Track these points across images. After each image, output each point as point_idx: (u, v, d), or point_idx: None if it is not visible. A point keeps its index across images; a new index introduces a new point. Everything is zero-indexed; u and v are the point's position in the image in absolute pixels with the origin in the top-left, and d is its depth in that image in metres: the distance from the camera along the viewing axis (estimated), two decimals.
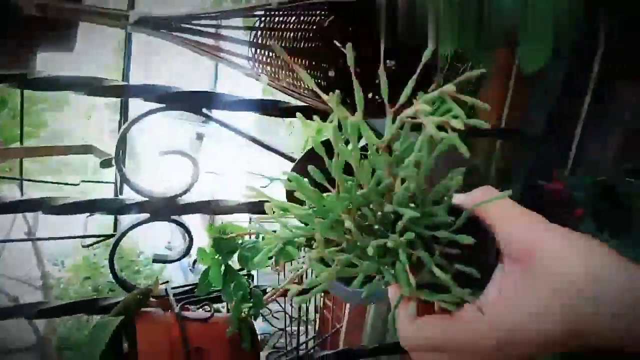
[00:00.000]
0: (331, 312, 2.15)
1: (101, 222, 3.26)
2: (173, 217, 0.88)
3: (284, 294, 0.82)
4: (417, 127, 0.31)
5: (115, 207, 0.85)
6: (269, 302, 0.84)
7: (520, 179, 1.35)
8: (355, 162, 0.30)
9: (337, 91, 0.29)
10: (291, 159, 0.96)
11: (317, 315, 2.35)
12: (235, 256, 0.83)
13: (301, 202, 0.33)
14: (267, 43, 0.66)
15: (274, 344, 2.39)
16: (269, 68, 0.69)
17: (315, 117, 0.32)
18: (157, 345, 0.76)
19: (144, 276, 4.88)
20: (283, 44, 0.71)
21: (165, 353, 0.76)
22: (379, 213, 0.30)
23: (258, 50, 0.67)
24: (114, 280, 0.93)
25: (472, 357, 0.33)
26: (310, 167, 0.31)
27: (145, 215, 0.86)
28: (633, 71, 1.20)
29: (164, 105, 0.82)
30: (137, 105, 0.86)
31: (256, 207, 0.94)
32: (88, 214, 0.89)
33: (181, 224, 0.89)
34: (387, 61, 0.67)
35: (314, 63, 0.73)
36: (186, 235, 0.91)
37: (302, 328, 2.32)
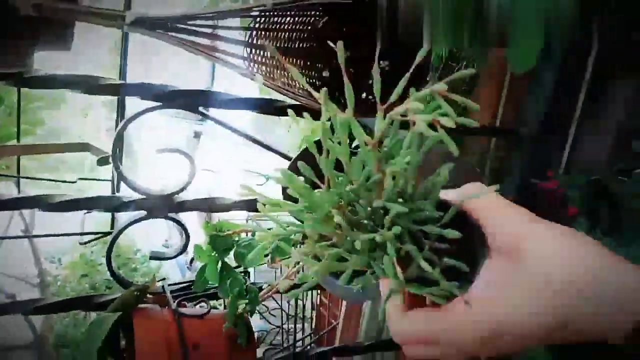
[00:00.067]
0: (327, 309, 2.16)
1: (98, 220, 3.26)
2: (170, 214, 0.88)
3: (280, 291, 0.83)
4: (407, 125, 0.32)
5: (112, 205, 0.85)
6: (265, 298, 0.85)
7: (514, 178, 1.36)
8: (344, 158, 0.31)
9: (325, 88, 0.29)
10: (287, 157, 0.97)
11: (314, 313, 2.36)
12: (232, 253, 0.84)
13: (296, 200, 0.34)
14: (262, 43, 0.67)
15: (271, 341, 2.39)
16: (264, 68, 0.70)
17: (305, 114, 0.33)
18: (154, 341, 0.77)
19: (141, 274, 4.87)
20: (278, 44, 0.71)
21: (162, 349, 0.76)
22: (369, 208, 0.30)
23: (253, 50, 0.68)
24: (111, 278, 0.93)
25: (461, 350, 0.33)
26: (300, 164, 0.31)
27: (143, 213, 0.87)
28: (626, 71, 1.22)
29: (161, 103, 0.83)
30: (134, 104, 0.86)
31: (253, 205, 0.94)
32: (85, 211, 0.90)
33: (178, 222, 0.89)
34: (381, 62, 0.67)
35: (308, 63, 0.73)
36: (183, 232, 0.92)
37: (298, 325, 2.33)
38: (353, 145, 0.39)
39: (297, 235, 0.36)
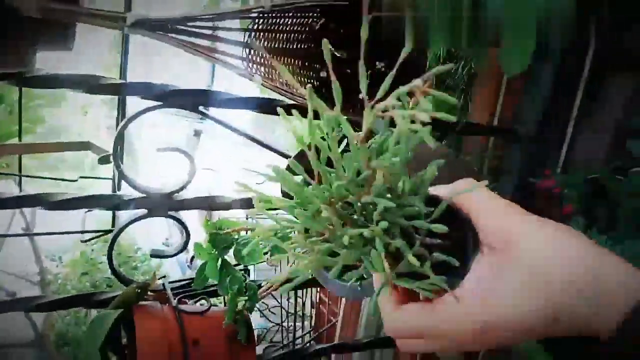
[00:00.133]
0: (327, 307, 2.17)
1: (99, 219, 3.27)
2: (170, 213, 0.89)
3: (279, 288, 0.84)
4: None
5: (113, 203, 0.86)
6: (264, 295, 0.86)
7: (512, 176, 1.37)
8: (333, 155, 0.32)
9: (309, 85, 0.30)
10: (286, 156, 0.98)
11: (313, 311, 2.37)
12: (232, 251, 0.85)
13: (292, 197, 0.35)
14: (261, 44, 0.68)
15: (271, 339, 2.41)
16: (262, 69, 0.71)
17: (294, 112, 0.33)
18: (155, 337, 0.78)
19: (142, 272, 4.89)
20: (276, 45, 0.72)
21: (162, 345, 0.77)
22: (359, 204, 0.31)
23: (252, 51, 0.69)
24: (111, 275, 0.94)
25: (452, 343, 0.34)
26: (291, 161, 0.32)
27: (143, 211, 0.88)
28: (624, 70, 1.22)
29: (161, 103, 0.84)
30: (134, 102, 0.87)
31: (252, 203, 0.95)
32: (86, 209, 0.91)
33: (178, 220, 0.90)
34: (377, 62, 0.68)
35: (306, 64, 0.74)
36: (183, 230, 0.93)
37: (298, 324, 2.34)
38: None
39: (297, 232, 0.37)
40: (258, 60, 0.70)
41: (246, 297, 0.80)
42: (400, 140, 0.31)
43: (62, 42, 0.62)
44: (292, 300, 2.26)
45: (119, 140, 0.84)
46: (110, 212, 2.34)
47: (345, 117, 0.34)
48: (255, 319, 2.61)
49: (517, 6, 0.68)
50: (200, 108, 0.86)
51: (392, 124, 0.33)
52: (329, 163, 0.33)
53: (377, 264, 0.29)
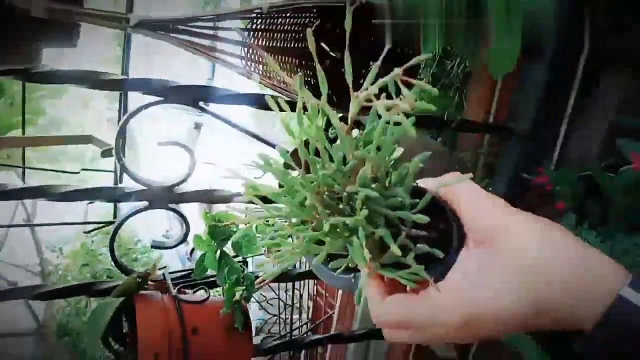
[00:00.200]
0: (324, 299, 2.20)
1: (100, 211, 3.30)
2: (171, 205, 0.91)
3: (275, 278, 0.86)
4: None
5: (115, 195, 0.88)
6: (261, 286, 0.88)
7: (506, 172, 1.39)
8: (319, 144, 0.32)
9: (297, 76, 0.31)
10: (285, 150, 1.00)
11: (311, 303, 2.41)
12: (230, 243, 0.87)
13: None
14: (259, 43, 0.70)
15: (269, 330, 2.44)
16: (261, 67, 0.73)
17: (283, 103, 0.34)
18: (155, 325, 0.80)
19: (142, 264, 4.91)
20: (274, 44, 0.74)
21: (163, 332, 0.80)
22: (345, 193, 0.31)
23: (251, 50, 0.71)
24: (112, 267, 0.97)
25: (439, 335, 0.34)
26: (279, 147, 0.33)
27: (144, 204, 0.90)
28: (617, 69, 1.24)
29: (162, 98, 0.86)
30: (136, 97, 0.89)
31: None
32: (89, 201, 0.93)
33: (179, 212, 0.92)
34: (371, 62, 0.71)
35: (303, 62, 0.76)
36: (183, 223, 0.95)
37: (295, 316, 2.37)
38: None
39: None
40: (257, 58, 0.72)
41: (243, 287, 0.82)
42: (384, 130, 0.32)
43: (67, 39, 0.64)
44: (290, 293, 2.29)
45: (121, 134, 0.86)
46: (111, 205, 2.37)
47: (341, 114, 0.35)
48: (255, 312, 2.65)
49: (504, 8, 0.69)
50: (200, 104, 0.88)
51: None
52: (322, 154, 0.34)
53: (358, 253, 0.30)
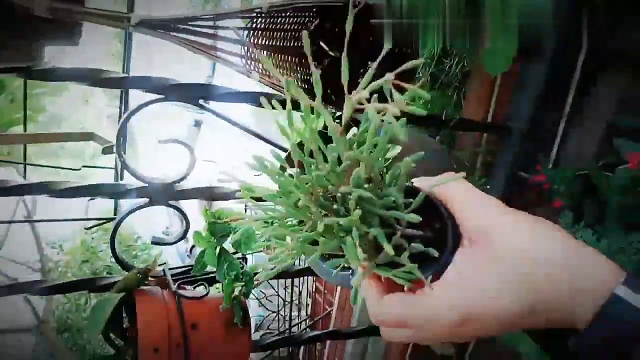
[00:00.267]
0: (322, 296, 2.21)
1: (101, 208, 3.31)
2: (171, 202, 0.92)
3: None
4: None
5: (116, 192, 0.89)
6: (260, 282, 0.89)
7: (504, 171, 1.40)
8: (314, 146, 0.32)
9: (285, 77, 0.32)
10: (284, 149, 1.01)
11: (310, 300, 2.42)
12: (230, 240, 0.88)
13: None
14: (259, 42, 0.71)
15: (268, 326, 2.46)
16: (260, 65, 0.73)
17: (275, 102, 0.34)
18: (155, 320, 0.81)
19: (142, 261, 4.93)
20: (274, 43, 0.75)
21: (163, 327, 0.81)
22: (339, 194, 0.32)
23: (250, 49, 0.71)
24: (112, 262, 0.98)
25: (435, 334, 0.34)
26: (271, 149, 0.34)
27: (145, 200, 0.91)
28: (615, 69, 1.25)
29: (163, 96, 0.87)
30: (137, 94, 0.90)
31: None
32: (90, 197, 0.94)
33: (179, 209, 0.93)
34: (369, 62, 0.71)
35: (303, 61, 0.77)
36: (183, 220, 0.96)
37: (294, 313, 2.39)
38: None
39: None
40: (256, 57, 0.73)
41: (243, 283, 0.83)
42: (378, 131, 0.32)
43: (69, 38, 0.65)
44: (289, 290, 2.30)
45: (122, 132, 0.87)
46: (112, 202, 2.38)
47: (339, 113, 0.35)
48: (254, 309, 2.67)
49: (501, 8, 0.70)
50: (201, 102, 0.89)
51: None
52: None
53: (351, 253, 0.30)
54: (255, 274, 0.91)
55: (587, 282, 0.30)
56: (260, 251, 0.97)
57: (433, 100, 1.34)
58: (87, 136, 1.97)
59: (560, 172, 1.25)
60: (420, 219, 0.33)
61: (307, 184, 0.32)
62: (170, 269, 0.96)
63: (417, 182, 0.38)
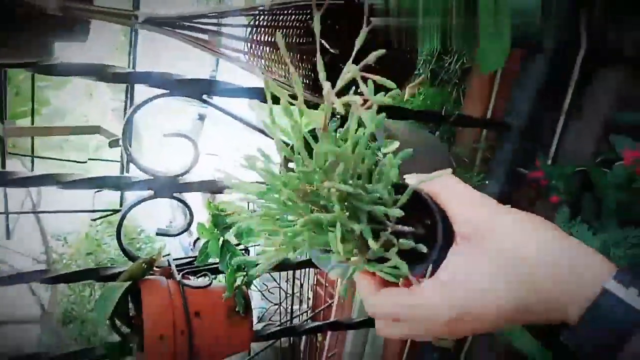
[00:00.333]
0: (324, 289, 2.24)
1: (106, 200, 3.34)
2: (175, 194, 0.94)
3: (275, 266, 0.89)
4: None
5: (122, 184, 0.92)
6: (261, 273, 0.91)
7: (503, 167, 1.41)
8: (296, 143, 0.33)
9: (267, 78, 0.33)
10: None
11: (311, 293, 2.45)
12: (233, 232, 0.90)
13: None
14: (261, 39, 0.73)
15: (270, 318, 2.50)
16: (262, 62, 0.75)
17: (269, 101, 0.34)
18: (160, 308, 0.84)
19: (145, 253, 4.96)
20: (275, 40, 0.77)
21: (167, 316, 0.83)
22: (325, 190, 0.32)
23: (253, 46, 0.73)
24: (117, 254, 1.00)
25: (429, 329, 0.34)
26: (258, 149, 0.34)
27: (150, 193, 0.93)
28: (613, 66, 1.26)
29: (168, 91, 0.89)
30: (142, 88, 0.92)
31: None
32: (96, 190, 0.96)
33: (183, 201, 0.96)
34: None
35: (304, 57, 0.79)
36: (187, 212, 0.98)
37: (295, 306, 2.42)
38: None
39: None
40: (259, 54, 0.75)
41: (244, 273, 0.86)
42: (357, 126, 0.32)
43: (78, 35, 0.67)
44: (290, 282, 2.33)
45: (128, 126, 0.89)
46: (117, 195, 2.41)
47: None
48: (257, 301, 2.70)
49: (493, 8, 0.71)
50: (204, 97, 0.91)
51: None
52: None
53: (333, 245, 0.31)
54: (257, 264, 0.93)
55: (579, 277, 0.30)
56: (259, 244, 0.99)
57: (433, 96, 1.36)
58: (95, 129, 1.99)
59: (558, 168, 1.26)
60: (403, 214, 0.33)
61: (296, 180, 0.33)
62: (174, 259, 0.98)
63: (409, 178, 0.38)
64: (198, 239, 0.98)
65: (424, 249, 0.34)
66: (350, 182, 0.33)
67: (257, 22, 0.73)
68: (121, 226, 0.91)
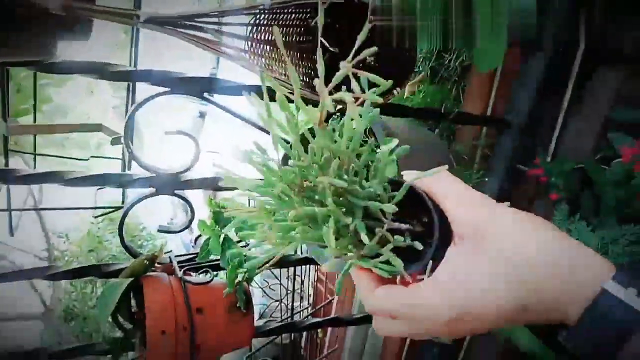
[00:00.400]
0: (324, 285, 2.25)
1: (108, 198, 3.36)
2: (177, 192, 0.95)
3: (276, 262, 0.90)
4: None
5: (124, 181, 0.92)
6: (262, 269, 0.92)
7: (503, 164, 1.42)
8: (291, 137, 0.33)
9: (262, 72, 0.33)
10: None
11: (312, 290, 2.46)
12: (231, 226, 0.91)
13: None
14: (262, 38, 0.73)
15: (271, 314, 2.51)
16: (263, 60, 0.76)
17: (265, 96, 0.34)
18: (162, 304, 0.85)
19: (147, 250, 4.98)
20: (274, 38, 0.77)
21: (169, 312, 0.84)
22: (321, 185, 0.32)
23: (254, 44, 0.74)
24: (119, 251, 1.01)
25: (427, 328, 0.34)
26: (254, 142, 0.35)
27: (152, 190, 0.94)
28: (612, 64, 1.26)
29: (169, 89, 0.89)
30: (144, 86, 0.92)
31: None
32: (98, 187, 0.97)
33: (184, 198, 0.96)
34: (367, 58, 0.73)
35: (304, 55, 0.80)
36: (188, 209, 0.99)
37: (296, 303, 2.43)
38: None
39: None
40: (259, 52, 0.76)
41: (245, 270, 0.87)
42: (351, 122, 0.32)
43: (81, 34, 0.68)
44: (291, 278, 2.34)
45: (129, 124, 0.90)
46: (119, 193, 2.43)
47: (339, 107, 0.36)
48: (258, 298, 2.72)
49: (489, 8, 0.72)
50: (205, 94, 0.91)
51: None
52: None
53: (326, 240, 0.31)
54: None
55: (579, 278, 0.30)
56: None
57: (432, 94, 1.36)
58: (97, 127, 2.00)
59: (558, 165, 1.27)
60: (397, 209, 0.33)
61: (292, 175, 0.33)
62: (176, 256, 0.99)
63: (406, 175, 0.38)
64: (199, 235, 0.99)
65: (420, 247, 0.34)
66: (345, 177, 0.33)
67: (257, 21, 0.74)
68: (123, 223, 0.92)
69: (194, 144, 0.90)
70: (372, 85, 0.34)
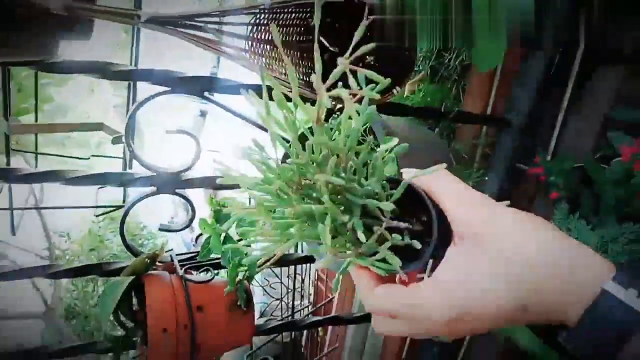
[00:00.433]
0: (325, 284, 2.26)
1: (109, 197, 3.36)
2: (177, 191, 0.96)
3: (276, 261, 0.90)
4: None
5: (125, 180, 0.93)
6: (263, 268, 0.93)
7: (503, 163, 1.42)
8: (289, 135, 0.33)
9: (262, 71, 0.33)
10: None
11: (313, 288, 2.47)
12: (230, 223, 0.91)
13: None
14: (262, 37, 0.74)
15: (271, 313, 2.51)
16: (263, 60, 0.76)
17: (264, 94, 0.34)
18: (163, 303, 0.85)
19: (148, 249, 4.99)
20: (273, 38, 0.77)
21: (170, 310, 0.85)
22: (319, 182, 0.32)
23: (254, 44, 0.74)
24: (120, 250, 1.01)
25: (426, 328, 0.34)
26: (253, 139, 0.35)
27: (153, 189, 0.94)
28: (612, 63, 1.26)
29: (169, 88, 0.90)
30: (145, 85, 0.93)
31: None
32: (100, 186, 0.97)
33: (185, 197, 0.97)
34: (367, 57, 0.74)
35: (304, 55, 0.80)
36: (189, 208, 1.00)
37: (297, 302, 2.44)
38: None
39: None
40: (259, 52, 0.76)
41: (246, 268, 0.87)
42: (348, 119, 0.32)
43: (82, 33, 0.69)
44: (292, 277, 2.35)
45: (131, 123, 0.90)
46: (120, 192, 2.43)
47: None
48: (259, 297, 2.72)
49: (488, 8, 0.72)
50: (205, 94, 0.92)
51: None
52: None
53: (322, 237, 0.31)
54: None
55: (579, 278, 0.30)
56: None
57: (432, 93, 1.37)
58: (98, 126, 2.01)
59: (558, 164, 1.27)
60: (394, 207, 0.33)
61: (291, 172, 0.33)
62: (177, 255, 0.99)
63: (405, 173, 0.38)
64: (200, 234, 1.00)
65: (418, 245, 0.34)
66: (343, 175, 0.33)
67: (257, 21, 0.74)
68: (124, 222, 0.93)
69: (194, 143, 0.91)
70: (370, 83, 0.34)
